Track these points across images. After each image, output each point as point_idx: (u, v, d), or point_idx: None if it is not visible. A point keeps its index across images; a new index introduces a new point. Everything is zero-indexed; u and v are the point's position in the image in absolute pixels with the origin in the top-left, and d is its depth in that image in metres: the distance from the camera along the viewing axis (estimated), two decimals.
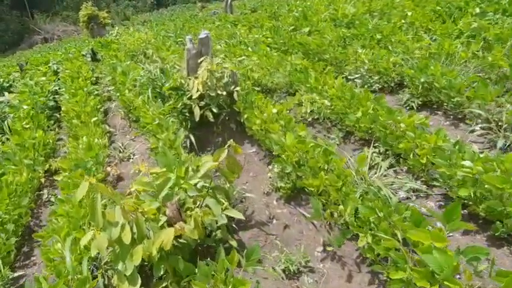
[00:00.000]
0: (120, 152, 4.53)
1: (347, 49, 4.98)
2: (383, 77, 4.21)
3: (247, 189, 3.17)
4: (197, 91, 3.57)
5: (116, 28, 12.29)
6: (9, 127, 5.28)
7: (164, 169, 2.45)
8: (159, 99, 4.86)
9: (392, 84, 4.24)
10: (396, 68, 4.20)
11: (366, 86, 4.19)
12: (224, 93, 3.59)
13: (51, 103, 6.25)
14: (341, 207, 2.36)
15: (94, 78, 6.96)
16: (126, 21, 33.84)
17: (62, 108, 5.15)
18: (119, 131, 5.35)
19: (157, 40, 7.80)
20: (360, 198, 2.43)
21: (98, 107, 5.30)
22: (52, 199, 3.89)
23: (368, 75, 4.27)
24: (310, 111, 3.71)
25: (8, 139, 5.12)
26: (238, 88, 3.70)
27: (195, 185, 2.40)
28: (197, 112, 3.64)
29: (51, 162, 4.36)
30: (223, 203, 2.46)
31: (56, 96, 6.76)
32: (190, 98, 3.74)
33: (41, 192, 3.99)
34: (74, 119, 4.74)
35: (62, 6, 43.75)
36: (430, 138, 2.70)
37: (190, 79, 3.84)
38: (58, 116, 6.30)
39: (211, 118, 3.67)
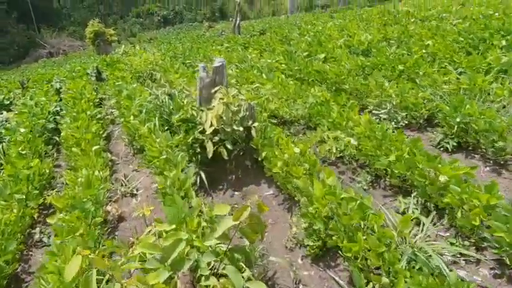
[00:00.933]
0: (122, 184, 4.16)
1: (367, 80, 4.68)
2: (411, 112, 3.88)
3: (266, 240, 2.78)
4: (211, 125, 3.24)
5: (123, 46, 12.11)
6: (4, 152, 4.94)
7: (174, 226, 2.08)
8: (166, 128, 4.54)
9: (421, 121, 3.91)
10: (426, 104, 3.87)
11: (393, 122, 3.85)
12: (241, 128, 3.25)
13: (51, 125, 5.92)
14: (385, 280, 1.98)
15: (98, 100, 6.66)
16: (132, 38, 34.06)
17: (62, 134, 4.81)
18: (121, 159, 4.99)
19: (165, 61, 7.54)
20: (407, 268, 2.05)
21: (101, 132, 4.96)
22: (45, 239, 3.50)
23: (394, 109, 3.94)
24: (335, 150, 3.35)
25: (1, 166, 4.76)
26: (256, 124, 3.36)
27: (211, 246, 2.03)
28: (210, 148, 3.29)
29: (47, 195, 3.99)
30: (244, 269, 2.07)
31: (57, 117, 6.45)
32: (202, 132, 3.40)
33: (33, 230, 3.59)
34: (74, 146, 4.39)
35: (69, 22, 44.24)
36: (482, 196, 2.34)
37: (202, 110, 3.51)
38: (57, 138, 5.97)
39: (225, 156, 3.32)
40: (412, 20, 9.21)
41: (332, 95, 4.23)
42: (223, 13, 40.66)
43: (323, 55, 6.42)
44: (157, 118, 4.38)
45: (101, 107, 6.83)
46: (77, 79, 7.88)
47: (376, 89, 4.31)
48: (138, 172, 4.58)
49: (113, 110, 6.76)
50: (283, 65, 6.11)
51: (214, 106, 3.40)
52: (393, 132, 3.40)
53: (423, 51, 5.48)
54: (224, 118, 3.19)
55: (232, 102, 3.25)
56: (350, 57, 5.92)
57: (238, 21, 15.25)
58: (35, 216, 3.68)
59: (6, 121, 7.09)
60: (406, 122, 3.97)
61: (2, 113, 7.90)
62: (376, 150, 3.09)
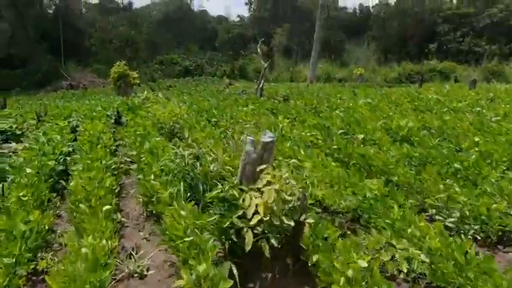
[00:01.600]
0: (131, 257, 3.51)
1: (420, 174, 4.19)
2: (482, 225, 3.31)
3: None
4: (255, 213, 2.68)
5: (145, 92, 12.01)
6: (3, 192, 4.37)
7: None
8: (191, 196, 3.99)
9: (493, 237, 3.33)
10: (501, 218, 3.32)
11: (462, 234, 3.27)
12: (292, 223, 2.68)
13: (60, 167, 5.41)
14: None
15: (115, 146, 6.21)
16: (152, 83, 34.86)
17: (72, 183, 4.25)
18: (132, 221, 4.37)
19: (190, 116, 7.21)
20: None
21: (114, 187, 4.40)
22: None
23: (462, 219, 3.39)
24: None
25: None
26: (310, 220, 2.80)
27: None
28: (249, 240, 2.70)
29: (41, 257, 3.35)
30: None
31: (68, 158, 5.95)
32: (241, 217, 2.84)
33: None
34: (83, 201, 3.81)
35: (95, 59, 45.93)
36: None
37: (245, 191, 2.98)
38: (64, 183, 5.41)
39: (266, 252, 2.72)
40: (445, 110, 9.02)
41: (387, 189, 3.70)
42: (243, 72, 42.03)
43: (361, 136, 6.03)
44: (182, 184, 3.85)
45: (116, 153, 6.36)
46: (96, 120, 7.52)
47: (434, 188, 3.80)
48: (149, 242, 3.94)
49: (128, 159, 6.29)
50: (319, 141, 5.70)
51: (259, 188, 2.88)
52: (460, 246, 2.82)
53: (476, 149, 5.07)
54: (274, 208, 2.65)
55: (285, 190, 2.73)
56: (392, 144, 5.52)
57: (262, 84, 15.35)
58: (22, 286, 3.01)
59: (13, 152, 6.60)
60: (476, 236, 3.38)
61: (10, 144, 7.45)
62: (458, 277, 2.48)
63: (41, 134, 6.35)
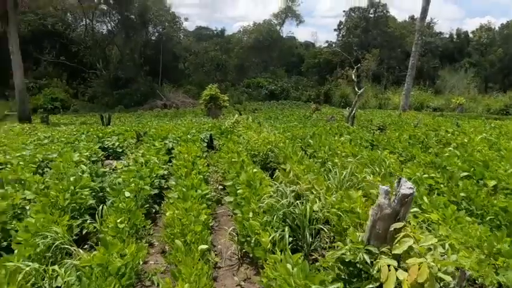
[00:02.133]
0: None
1: None
2: None
3: None
4: None
5: (236, 115, 12.04)
6: (101, 215, 4.34)
7: None
8: (296, 242, 3.46)
9: None
10: None
11: None
12: None
13: (155, 191, 5.35)
14: None
15: (208, 173, 6.03)
16: (238, 105, 35.97)
17: (168, 213, 4.03)
18: (225, 260, 3.98)
19: (286, 145, 6.79)
20: None
21: (210, 222, 4.08)
22: None
23: None
24: None
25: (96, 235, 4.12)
26: None
27: None
28: None
29: None
30: None
31: (162, 181, 5.91)
32: None
33: None
34: (178, 236, 3.53)
35: (188, 81, 49.45)
36: None
37: (375, 255, 2.35)
38: (157, 207, 5.32)
39: None
40: None
41: None
42: (328, 97, 41.21)
43: (492, 182, 4.93)
44: (287, 230, 3.34)
45: (209, 181, 6.17)
46: (190, 143, 7.53)
47: None
48: None
49: (220, 186, 6.05)
50: (441, 186, 4.77)
51: (397, 255, 2.22)
52: None
53: None
54: None
55: (440, 267, 2.04)
56: None
57: (354, 111, 14.49)
58: None
59: (113, 170, 6.84)
60: None
61: (111, 161, 7.81)
62: None
63: (140, 154, 6.47)
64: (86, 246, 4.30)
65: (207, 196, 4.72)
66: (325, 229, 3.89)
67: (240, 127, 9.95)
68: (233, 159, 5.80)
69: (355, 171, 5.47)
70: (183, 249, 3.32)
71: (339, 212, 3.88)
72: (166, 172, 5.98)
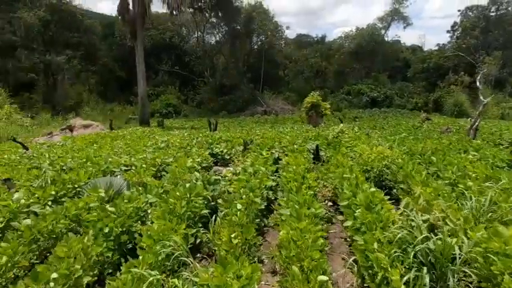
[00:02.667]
0: None
1: None
2: None
3: None
4: None
5: (341, 125, 11.46)
6: (215, 220, 4.35)
7: None
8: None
9: None
10: None
11: None
12: None
13: (264, 203, 5.22)
14: None
15: (318, 188, 5.69)
16: (337, 112, 34.88)
17: (281, 233, 3.80)
18: None
19: (404, 161, 6.04)
20: None
21: (327, 247, 3.73)
22: None
23: None
24: None
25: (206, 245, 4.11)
26: None
27: None
28: None
29: None
30: None
31: (270, 192, 5.76)
32: None
33: None
34: (294, 261, 3.27)
35: (287, 88, 50.01)
36: None
37: None
38: (266, 220, 5.17)
39: None
40: None
41: None
42: (438, 105, 37.26)
43: None
44: (425, 271, 2.80)
45: (316, 195, 5.83)
46: (297, 153, 7.29)
47: None
48: None
49: (329, 203, 5.65)
50: None
51: None
52: None
53: None
54: None
55: None
56: None
57: (477, 123, 12.59)
58: None
59: (223, 177, 6.98)
60: None
61: (220, 168, 8.02)
62: None
63: (249, 163, 6.46)
64: (198, 255, 4.35)
65: (320, 215, 4.38)
66: (468, 272, 3.21)
67: (345, 137, 9.38)
68: (345, 175, 5.36)
69: (497, 199, 4.56)
70: (300, 278, 3.03)
71: (486, 253, 3.18)
72: (274, 184, 5.84)
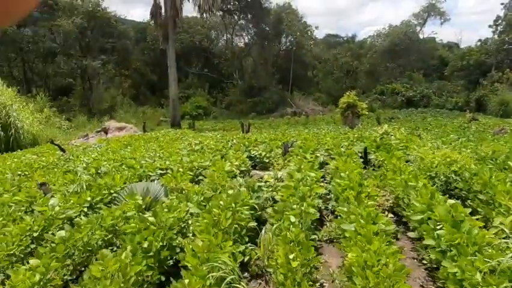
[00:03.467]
0: None
1: None
2: None
3: None
4: None
5: (385, 126, 10.65)
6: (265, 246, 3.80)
7: None
8: None
9: None
10: None
11: None
12: None
13: (317, 215, 4.62)
14: None
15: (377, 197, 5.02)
16: (370, 112, 33.61)
17: (350, 256, 3.18)
18: None
19: (479, 167, 5.22)
20: None
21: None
22: None
23: None
24: None
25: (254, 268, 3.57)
26: None
27: None
28: None
29: None
30: None
31: (320, 202, 5.16)
32: None
33: None
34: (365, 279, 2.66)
35: (317, 89, 49.02)
36: None
37: None
38: (318, 236, 4.58)
39: None
40: None
41: None
42: (481, 105, 35.11)
43: None
44: None
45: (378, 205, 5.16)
46: (345, 157, 6.64)
47: None
48: None
49: (390, 214, 4.97)
50: None
51: None
52: None
53: None
54: None
55: None
56: None
57: None
58: None
59: (265, 182, 6.44)
60: None
61: (259, 172, 7.49)
62: None
63: (294, 168, 5.89)
64: (246, 274, 3.83)
65: (389, 232, 3.73)
66: None
67: (394, 139, 8.59)
68: (410, 183, 4.67)
69: None
70: None
71: None
72: (326, 191, 5.23)
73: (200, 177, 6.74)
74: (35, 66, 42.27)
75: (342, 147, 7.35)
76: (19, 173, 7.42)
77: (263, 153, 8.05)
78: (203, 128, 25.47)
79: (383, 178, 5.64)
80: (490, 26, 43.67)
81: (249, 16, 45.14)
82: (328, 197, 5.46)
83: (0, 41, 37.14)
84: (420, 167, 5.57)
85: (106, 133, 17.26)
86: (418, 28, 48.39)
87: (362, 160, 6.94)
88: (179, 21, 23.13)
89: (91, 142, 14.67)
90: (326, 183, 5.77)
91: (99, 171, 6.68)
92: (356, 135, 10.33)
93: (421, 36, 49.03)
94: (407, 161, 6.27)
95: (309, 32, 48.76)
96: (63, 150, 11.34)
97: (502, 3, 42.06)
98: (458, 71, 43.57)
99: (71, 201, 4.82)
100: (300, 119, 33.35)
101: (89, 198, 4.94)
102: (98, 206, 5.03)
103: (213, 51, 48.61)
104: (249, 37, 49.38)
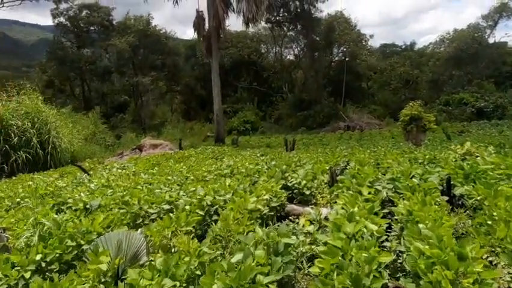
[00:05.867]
0: None
1: None
2: None
3: None
4: None
5: (468, 143, 8.20)
6: None
7: None
8: None
9: None
10: None
11: None
12: None
13: None
14: None
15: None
16: (435, 125, 29.95)
17: None
18: None
19: None
20: None
21: None
22: None
23: None
24: None
25: None
26: None
27: None
28: None
29: None
30: None
31: (386, 273, 3.13)
32: None
33: None
34: None
35: (372, 101, 45.69)
36: None
37: None
38: None
39: None
40: None
41: None
42: None
43: None
44: None
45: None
46: (419, 193, 4.51)
47: None
48: None
49: None
50: None
51: None
52: None
53: None
54: None
55: None
56: None
57: None
58: None
59: (301, 227, 4.56)
60: None
61: (296, 209, 5.61)
62: None
63: (343, 213, 3.91)
64: None
65: None
66: None
67: (483, 163, 6.19)
68: None
69: None
70: None
71: None
72: (393, 257, 3.21)
73: (214, 217, 5.02)
74: (93, 85, 44.28)
75: (413, 176, 5.21)
76: (8, 203, 6.27)
77: (303, 182, 6.13)
78: (247, 144, 23.99)
79: (488, 231, 3.48)
80: None
81: (299, 27, 43.59)
82: (397, 265, 3.41)
83: (62, 61, 39.35)
84: None
85: (141, 150, 16.38)
86: (488, 31, 43.34)
87: (445, 198, 4.73)
88: (223, 32, 22.13)
89: (124, 160, 13.73)
90: (393, 238, 3.73)
91: (88, 206, 5.23)
92: (427, 156, 8.00)
93: (491, 41, 43.81)
94: None
95: (363, 41, 45.94)
96: (86, 172, 10.32)
97: None
98: None
99: (11, 261, 3.32)
100: (353, 133, 30.70)
101: (38, 257, 3.41)
102: (52, 267, 3.48)
103: (262, 64, 47.66)
104: (299, 49, 47.78)
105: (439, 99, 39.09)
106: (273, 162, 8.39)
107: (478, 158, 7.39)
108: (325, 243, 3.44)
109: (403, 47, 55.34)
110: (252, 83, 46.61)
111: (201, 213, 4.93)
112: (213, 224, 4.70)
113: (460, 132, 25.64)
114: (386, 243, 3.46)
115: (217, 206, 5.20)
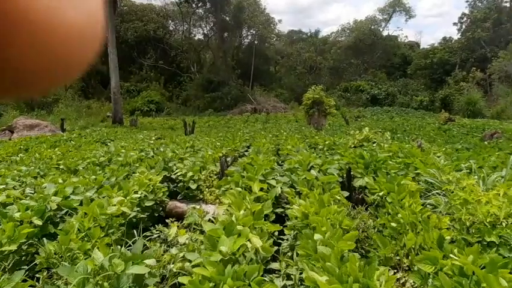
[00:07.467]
0: None
1: None
2: None
3: None
4: None
5: (366, 129, 8.05)
6: None
7: None
8: None
9: None
10: None
11: None
12: None
13: None
14: None
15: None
16: (335, 110, 31.64)
17: None
18: None
19: None
20: None
21: None
22: None
23: None
24: None
25: None
26: None
27: None
28: None
29: None
30: None
31: None
32: None
33: None
34: None
35: (279, 85, 46.58)
36: None
37: None
38: None
39: None
40: None
41: None
42: (446, 104, 34.19)
43: None
44: None
45: None
46: (318, 188, 3.84)
47: None
48: None
49: None
50: None
51: None
52: None
53: None
54: None
55: None
56: None
57: None
58: None
59: (174, 238, 3.57)
60: None
61: (180, 207, 4.59)
62: None
63: (224, 219, 2.98)
64: None
65: None
66: None
67: (381, 151, 5.94)
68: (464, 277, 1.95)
69: None
70: None
71: None
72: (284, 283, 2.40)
73: (61, 224, 3.68)
74: None
75: (311, 166, 4.54)
76: None
77: (189, 174, 5.08)
78: (149, 126, 21.96)
79: (392, 235, 2.91)
80: (454, 24, 43.43)
81: (208, 5, 41.74)
82: None
83: None
84: (465, 219, 2.89)
85: (12, 132, 13.48)
86: (383, 24, 47.32)
87: (346, 193, 4.17)
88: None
89: None
90: (285, 251, 2.94)
91: None
92: (327, 142, 7.64)
93: (385, 33, 48.03)
94: (431, 206, 3.58)
95: (272, 24, 46.19)
96: None
97: (467, 1, 41.73)
98: (421, 69, 42.86)
99: None
100: (260, 116, 30.69)
101: None
102: None
103: (169, 42, 44.60)
104: (208, 28, 45.94)
105: (339, 85, 41.51)
106: (161, 149, 7.17)
107: (375, 144, 7.25)
108: (196, 266, 2.49)
109: (309, 34, 57.45)
110: (158, 61, 43.43)
111: (39, 222, 3.54)
112: (52, 239, 3.38)
113: (357, 118, 27.38)
114: (274, 265, 2.63)
115: (67, 210, 3.85)
